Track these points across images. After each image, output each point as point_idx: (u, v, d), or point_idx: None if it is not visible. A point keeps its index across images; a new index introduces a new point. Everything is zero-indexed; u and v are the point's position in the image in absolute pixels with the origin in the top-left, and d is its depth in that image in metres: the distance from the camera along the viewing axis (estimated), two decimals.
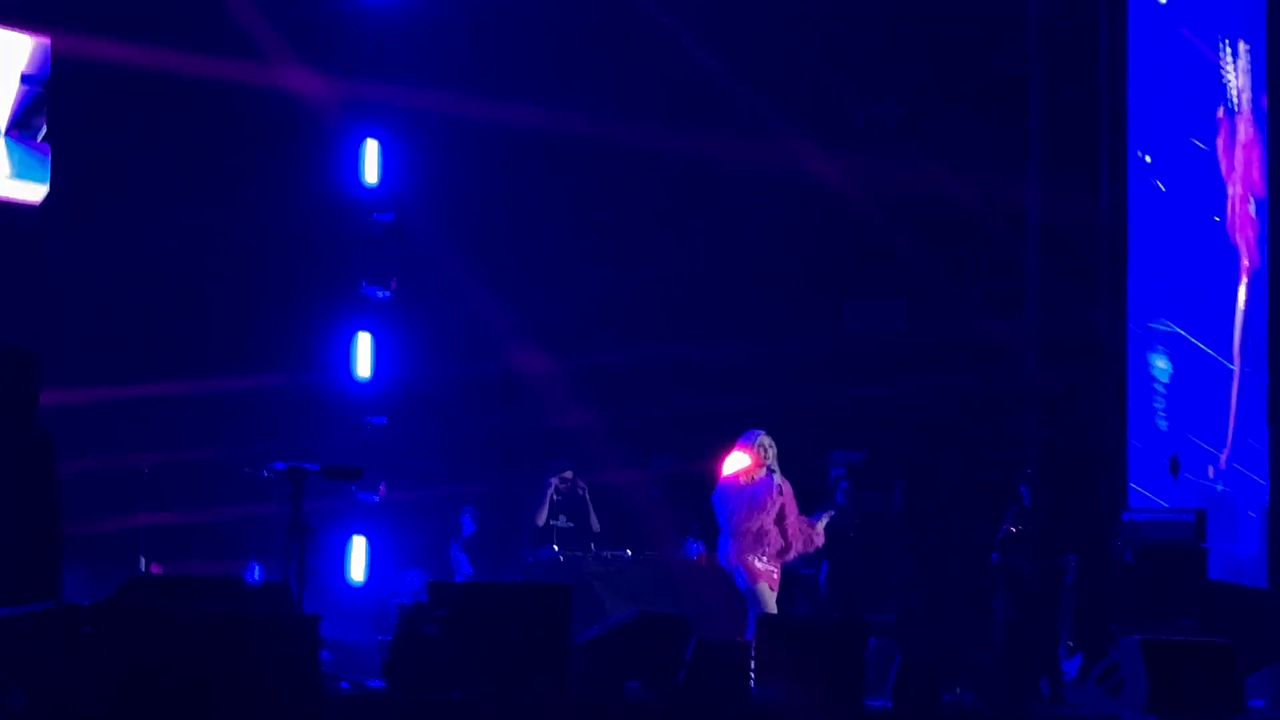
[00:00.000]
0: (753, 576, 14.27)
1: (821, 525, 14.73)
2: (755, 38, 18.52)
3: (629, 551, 16.80)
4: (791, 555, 14.55)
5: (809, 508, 17.25)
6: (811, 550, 14.77)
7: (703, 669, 11.86)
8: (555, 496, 16.94)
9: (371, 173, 17.48)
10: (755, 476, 14.42)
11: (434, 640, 10.74)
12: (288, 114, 16.71)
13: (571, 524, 16.88)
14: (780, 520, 14.40)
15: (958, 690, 15.79)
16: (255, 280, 16.73)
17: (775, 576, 14.37)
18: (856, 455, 17.52)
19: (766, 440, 14.58)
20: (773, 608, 14.25)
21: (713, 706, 11.78)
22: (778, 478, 14.45)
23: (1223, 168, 19.37)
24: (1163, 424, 18.52)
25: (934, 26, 18.54)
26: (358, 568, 17.27)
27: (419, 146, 17.58)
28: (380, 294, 17.55)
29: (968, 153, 18.23)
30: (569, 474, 16.96)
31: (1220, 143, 19.32)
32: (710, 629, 13.66)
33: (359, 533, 17.30)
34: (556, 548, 16.60)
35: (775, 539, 14.35)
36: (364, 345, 17.50)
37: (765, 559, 14.32)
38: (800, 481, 17.57)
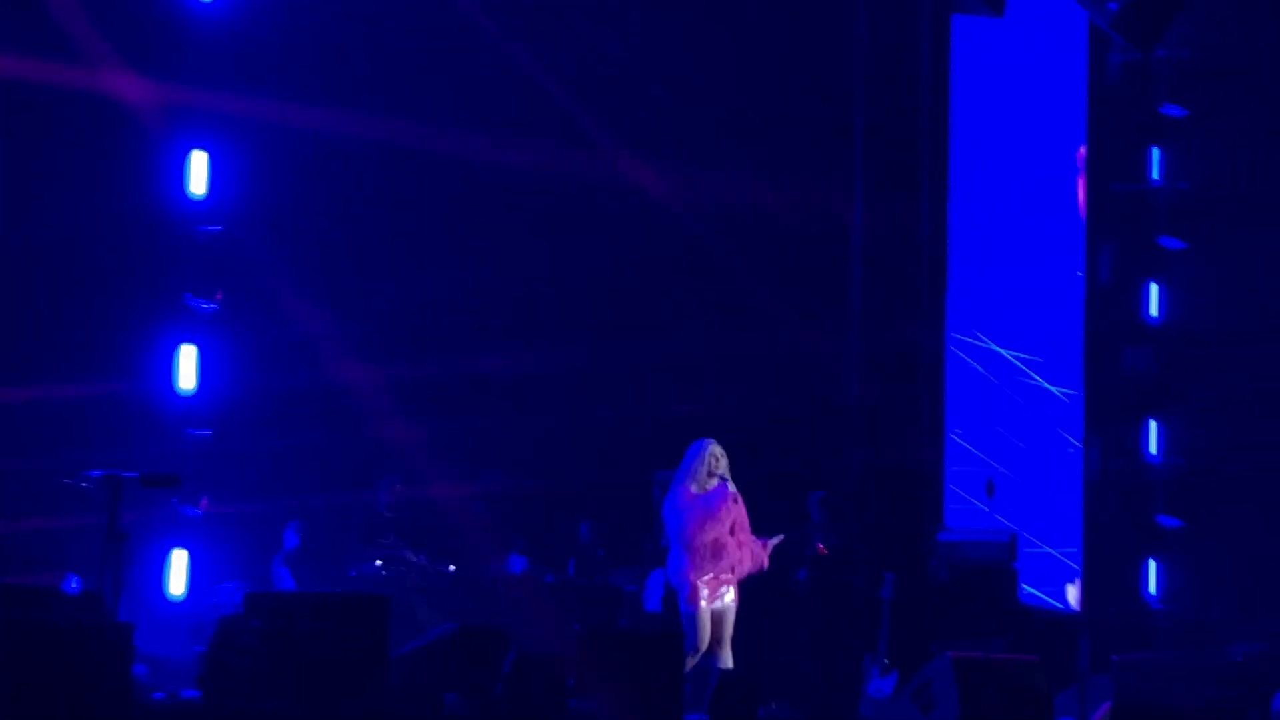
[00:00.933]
0: (694, 600, 13.85)
1: (771, 546, 14.25)
2: (581, 49, 18.62)
3: (452, 567, 16.82)
4: (741, 573, 14.07)
5: (637, 523, 17.45)
6: (758, 571, 14.21)
7: (521, 682, 11.92)
8: (386, 512, 16.95)
9: (199, 184, 17.37)
10: (706, 486, 14.02)
11: (250, 651, 10.72)
12: (111, 120, 16.53)
13: (398, 539, 16.88)
14: (732, 534, 13.96)
15: (773, 705, 15.94)
16: (74, 289, 16.54)
17: (732, 595, 13.96)
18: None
19: (718, 449, 14.13)
20: (706, 637, 13.85)
21: (530, 719, 11.85)
22: (731, 487, 14.04)
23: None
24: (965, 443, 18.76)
25: (760, 40, 18.72)
26: (178, 582, 17.11)
27: (247, 156, 17.48)
28: (205, 306, 17.44)
29: (792, 167, 18.43)
30: (398, 487, 16.98)
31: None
32: (531, 643, 13.72)
33: (180, 546, 17.16)
34: (379, 562, 16.59)
35: (732, 553, 13.94)
36: (188, 357, 17.37)
37: (718, 575, 13.88)
38: (624, 499, 17.77)
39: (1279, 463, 19.25)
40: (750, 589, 16.80)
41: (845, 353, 18.35)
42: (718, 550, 13.89)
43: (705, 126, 18.69)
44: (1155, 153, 20.28)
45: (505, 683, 11.79)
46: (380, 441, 17.63)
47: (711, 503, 13.94)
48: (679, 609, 14.05)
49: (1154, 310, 20.11)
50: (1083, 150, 19.58)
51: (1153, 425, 20.06)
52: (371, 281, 18.25)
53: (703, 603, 13.89)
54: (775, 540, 14.26)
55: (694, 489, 14.01)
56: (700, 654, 14.05)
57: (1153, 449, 20.04)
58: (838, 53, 18.48)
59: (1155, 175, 20.24)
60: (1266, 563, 19.04)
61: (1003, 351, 18.85)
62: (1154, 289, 20.13)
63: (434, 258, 18.51)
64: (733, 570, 13.99)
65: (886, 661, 16.04)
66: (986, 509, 17.30)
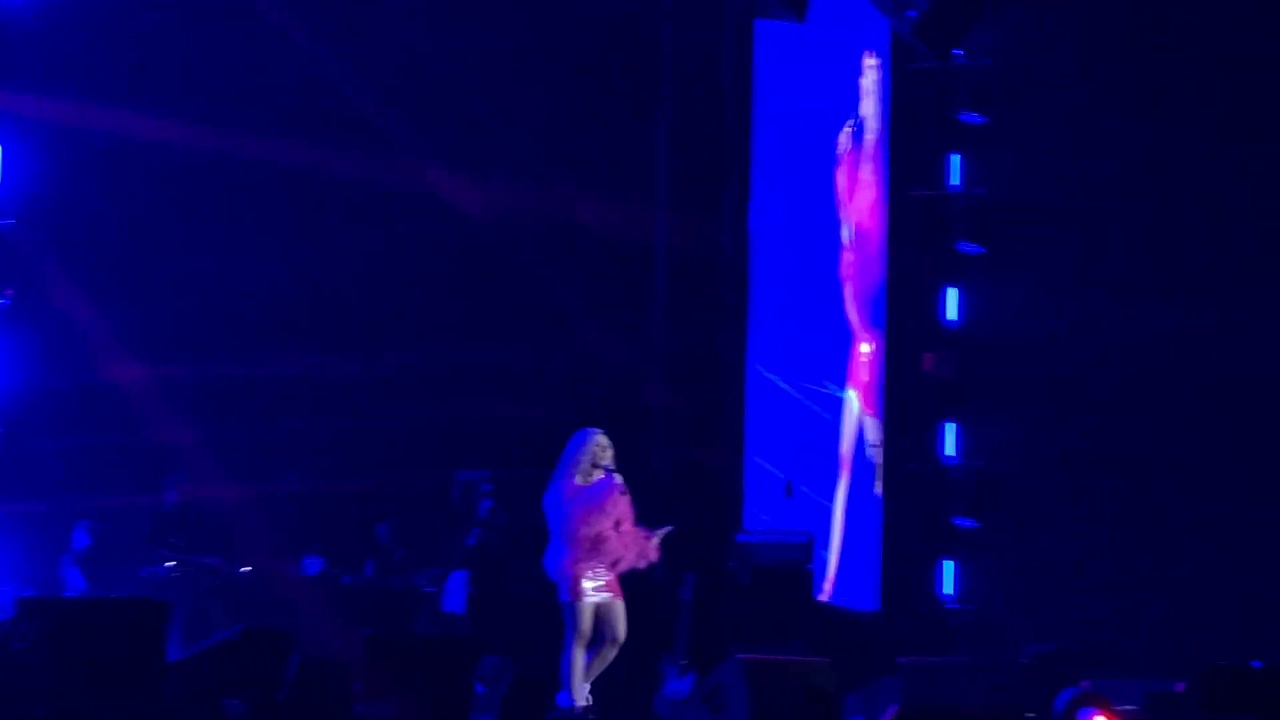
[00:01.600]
0: (577, 592, 13.64)
1: (658, 538, 14.03)
2: (385, 55, 18.53)
3: (247, 568, 16.68)
4: (624, 567, 13.82)
5: (437, 524, 17.41)
6: (644, 565, 13.96)
7: (305, 687, 11.81)
8: (175, 512, 16.79)
9: None
10: (591, 477, 13.79)
11: (22, 657, 10.55)
12: None
13: (190, 540, 16.72)
14: (616, 527, 13.74)
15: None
16: None
17: (613, 589, 13.74)
18: (480, 475, 17.59)
19: (603, 440, 13.86)
20: (587, 629, 13.69)
21: None
22: (618, 478, 13.81)
23: (840, 199, 19.80)
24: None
25: (565, 48, 18.73)
26: None
27: (41, 154, 17.23)
28: None
29: (597, 175, 18.45)
30: (187, 486, 16.82)
31: (842, 177, 19.76)
32: (324, 647, 13.64)
33: None
34: (171, 564, 16.42)
35: (615, 547, 13.70)
36: None
37: (599, 569, 13.66)
38: (424, 500, 17.73)
39: (1074, 465, 19.58)
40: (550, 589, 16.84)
41: (647, 358, 18.40)
42: (597, 543, 13.65)
43: (510, 135, 18.66)
44: (955, 159, 20.50)
45: (288, 688, 11.67)
46: (172, 442, 17.45)
47: (597, 494, 13.70)
48: (559, 600, 13.79)
49: (952, 314, 20.33)
50: (841, 138, 19.63)
51: (950, 427, 20.29)
52: (167, 282, 18.06)
53: (586, 597, 13.66)
54: (663, 531, 14.07)
55: (578, 480, 13.76)
56: (588, 646, 13.86)
57: (950, 450, 20.26)
58: (643, 59, 18.53)
59: (955, 181, 20.46)
60: (1060, 563, 19.34)
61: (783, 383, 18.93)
62: (953, 293, 20.35)
63: (237, 260, 18.35)
64: (615, 564, 13.74)
65: (685, 662, 16.08)
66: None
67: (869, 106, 20.02)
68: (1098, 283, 19.43)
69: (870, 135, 20.04)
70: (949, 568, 20.16)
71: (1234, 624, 17.53)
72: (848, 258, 19.66)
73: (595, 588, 13.74)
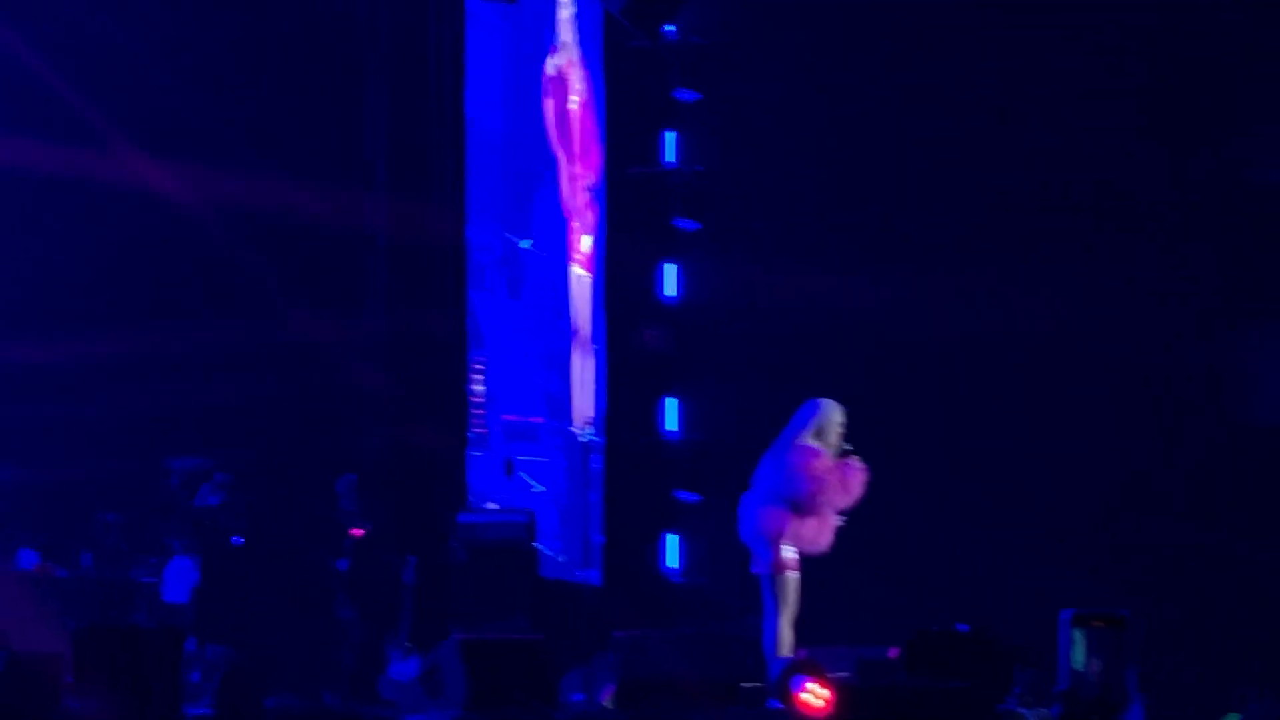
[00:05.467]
0: (784, 564, 13.59)
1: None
2: (89, 43, 18.26)
3: None
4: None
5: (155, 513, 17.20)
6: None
7: (12, 682, 11.67)
8: None
9: None
10: (843, 460, 13.56)
11: None
12: None
13: None
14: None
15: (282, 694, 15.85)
16: None
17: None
18: (194, 462, 17.42)
19: (839, 415, 13.70)
20: (795, 602, 13.66)
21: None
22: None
23: (552, 137, 19.85)
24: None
25: (274, 31, 18.61)
26: None
27: None
28: None
29: (311, 162, 18.37)
30: None
31: (550, 110, 19.80)
32: (39, 642, 13.44)
33: None
34: None
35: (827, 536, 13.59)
36: None
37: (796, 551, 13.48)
38: (141, 488, 17.51)
39: None
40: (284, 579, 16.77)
41: (366, 341, 18.37)
42: (820, 527, 13.72)
43: (218, 123, 18.47)
44: (670, 136, 20.68)
45: None
46: None
47: (851, 480, 13.66)
48: (757, 572, 13.74)
49: (670, 290, 20.52)
50: (547, 68, 19.71)
51: (671, 402, 20.48)
52: None
53: (791, 570, 13.69)
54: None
55: (830, 458, 13.53)
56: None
57: (671, 425, 20.46)
58: (354, 44, 18.48)
59: (670, 158, 20.64)
60: None
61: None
62: (670, 269, 20.54)
63: None
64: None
65: (409, 645, 16.10)
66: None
67: (568, 34, 20.05)
68: (811, 256, 19.69)
69: (571, 65, 20.06)
70: (673, 541, 20.36)
71: (944, 591, 17.93)
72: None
73: (796, 561, 13.67)
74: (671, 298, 20.52)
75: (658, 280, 20.46)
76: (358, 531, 16.94)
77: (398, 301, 18.40)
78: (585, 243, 20.10)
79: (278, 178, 18.13)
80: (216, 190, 18.17)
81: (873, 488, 14.46)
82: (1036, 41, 19.35)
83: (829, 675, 13.44)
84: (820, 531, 13.82)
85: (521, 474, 18.63)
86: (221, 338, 17.97)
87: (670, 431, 20.42)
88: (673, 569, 20.35)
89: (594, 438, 19.91)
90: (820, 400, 14.01)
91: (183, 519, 17.25)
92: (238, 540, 17.00)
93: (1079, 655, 13.88)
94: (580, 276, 20.03)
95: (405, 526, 17.43)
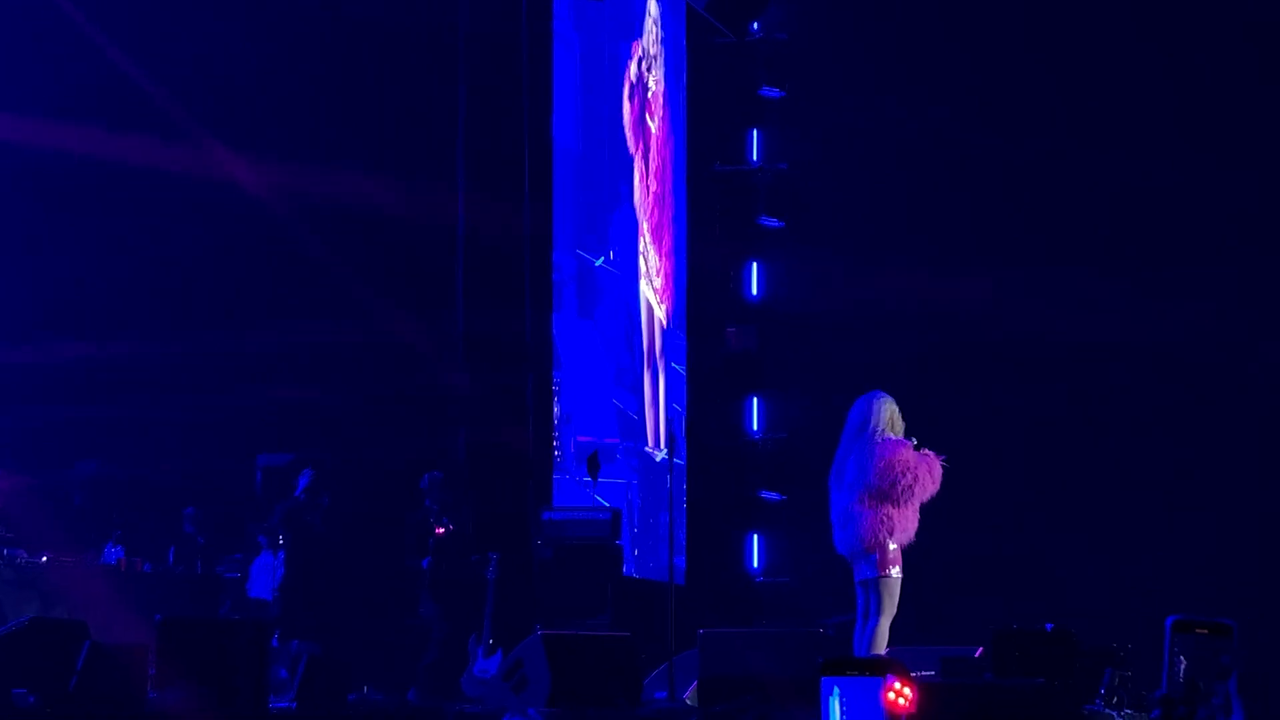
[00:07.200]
0: (891, 562, 12.84)
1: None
2: (178, 41, 18.35)
3: (45, 557, 16.46)
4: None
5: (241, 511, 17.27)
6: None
7: (95, 674, 11.73)
8: None
9: None
10: (921, 448, 13.00)
11: None
12: None
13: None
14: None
15: (365, 690, 15.92)
16: None
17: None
18: (280, 459, 17.51)
19: (895, 405, 13.06)
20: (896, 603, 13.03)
21: (105, 712, 11.66)
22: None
23: (630, 140, 19.79)
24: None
25: (363, 32, 18.64)
26: None
27: None
28: None
29: (396, 160, 18.39)
30: None
31: (630, 113, 19.74)
32: (124, 635, 13.49)
33: None
34: None
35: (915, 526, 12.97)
36: None
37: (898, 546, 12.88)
38: (227, 486, 17.61)
39: None
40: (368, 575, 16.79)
41: (451, 340, 18.39)
42: (914, 518, 12.97)
43: (307, 120, 18.54)
44: (754, 134, 20.64)
45: (78, 676, 11.58)
46: None
47: (936, 468, 13.03)
48: (867, 577, 13.11)
49: (754, 289, 20.48)
50: (630, 69, 19.66)
51: (754, 402, 20.44)
52: None
53: (899, 568, 12.95)
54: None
55: (913, 446, 12.83)
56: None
57: (754, 425, 20.42)
58: (442, 44, 18.49)
59: (754, 156, 20.60)
60: None
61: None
62: (754, 268, 20.50)
63: (34, 249, 18.13)
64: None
65: (491, 642, 16.12)
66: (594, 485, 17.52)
67: (652, 34, 20.02)
68: (894, 253, 19.62)
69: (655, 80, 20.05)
70: (754, 541, 20.33)
71: (1029, 591, 17.81)
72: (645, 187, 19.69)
73: (899, 555, 13.12)
74: (755, 296, 20.47)
75: (744, 279, 20.43)
76: (441, 529, 16.95)
77: (482, 302, 18.39)
78: (653, 256, 20.04)
79: (365, 179, 18.17)
80: (306, 191, 18.23)
81: (970, 487, 14.19)
82: (1134, 36, 19.17)
83: (912, 675, 13.34)
84: (912, 521, 13.59)
85: (596, 496, 18.55)
86: (309, 338, 18.04)
87: (754, 431, 20.38)
88: (754, 568, 20.32)
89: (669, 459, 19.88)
90: (874, 394, 13.68)
91: (269, 516, 17.34)
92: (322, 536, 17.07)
93: (1181, 661, 13.70)
94: (648, 295, 20.00)
95: (488, 524, 17.43)
